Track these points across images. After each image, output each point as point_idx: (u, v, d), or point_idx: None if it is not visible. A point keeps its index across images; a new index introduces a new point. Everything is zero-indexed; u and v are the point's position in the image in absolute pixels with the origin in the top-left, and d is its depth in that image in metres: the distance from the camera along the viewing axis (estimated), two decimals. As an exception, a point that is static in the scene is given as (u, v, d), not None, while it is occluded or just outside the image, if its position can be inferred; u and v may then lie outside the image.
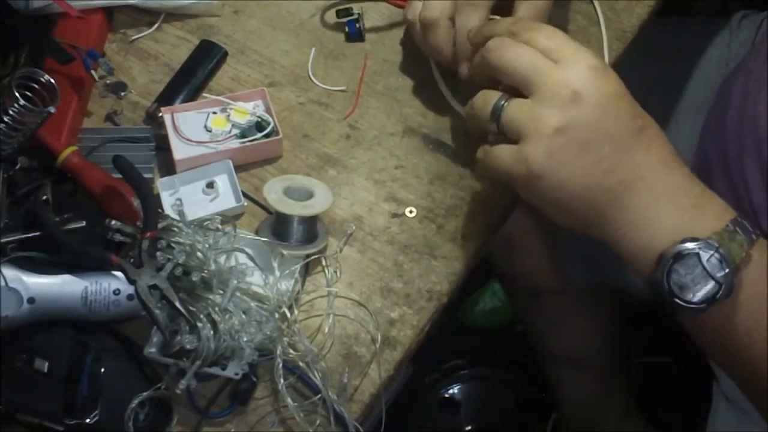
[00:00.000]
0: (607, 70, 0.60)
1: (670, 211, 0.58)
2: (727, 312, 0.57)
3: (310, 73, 0.81)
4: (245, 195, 0.72)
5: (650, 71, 1.04)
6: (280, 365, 0.63)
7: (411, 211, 0.73)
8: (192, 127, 0.75)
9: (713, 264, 0.56)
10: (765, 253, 0.58)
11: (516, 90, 0.61)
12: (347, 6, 0.84)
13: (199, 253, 0.63)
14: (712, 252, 0.56)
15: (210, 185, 0.72)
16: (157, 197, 0.71)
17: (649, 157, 0.59)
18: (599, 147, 0.58)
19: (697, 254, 0.56)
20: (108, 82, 0.79)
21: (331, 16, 0.84)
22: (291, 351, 0.64)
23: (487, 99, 0.63)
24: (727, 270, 0.56)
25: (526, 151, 0.59)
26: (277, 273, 0.66)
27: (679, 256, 0.57)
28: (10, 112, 0.66)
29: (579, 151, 0.58)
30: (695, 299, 0.57)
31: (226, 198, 0.72)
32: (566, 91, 0.58)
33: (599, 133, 0.58)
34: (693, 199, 0.59)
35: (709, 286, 0.56)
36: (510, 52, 0.61)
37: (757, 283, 0.57)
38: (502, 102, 0.61)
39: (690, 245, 0.56)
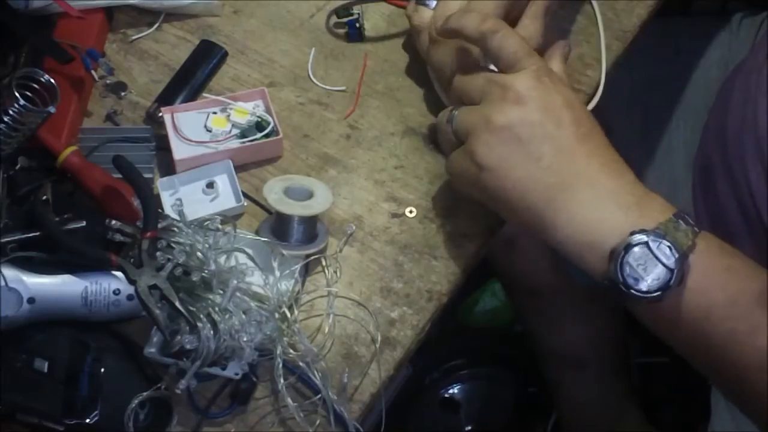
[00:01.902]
0: (555, 80, 0.64)
1: (614, 209, 0.60)
2: (682, 298, 0.59)
3: (310, 73, 0.81)
4: (245, 195, 0.72)
5: (650, 72, 1.04)
6: (280, 365, 0.63)
7: (411, 211, 0.73)
8: (192, 127, 0.75)
9: (663, 252, 0.58)
10: (710, 242, 0.60)
11: None
12: (347, 5, 0.84)
13: (199, 253, 0.63)
14: (660, 241, 0.58)
15: (210, 185, 0.72)
16: (157, 197, 0.71)
17: (591, 160, 0.62)
18: (540, 145, 0.61)
19: (647, 244, 0.58)
20: (108, 82, 0.79)
21: (331, 16, 0.84)
22: (291, 351, 0.64)
23: (445, 111, 0.69)
24: (677, 256, 0.57)
25: (471, 146, 0.63)
26: (277, 273, 0.66)
27: (630, 248, 0.58)
28: (10, 112, 0.66)
29: (519, 147, 0.61)
30: (650, 288, 0.58)
31: (226, 198, 0.72)
32: (512, 94, 0.62)
33: (540, 133, 0.61)
34: (635, 198, 0.61)
35: (662, 273, 0.58)
36: (466, 81, 0.67)
37: (707, 268, 0.59)
38: (455, 111, 0.67)
39: (639, 237, 0.58)
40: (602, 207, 0.61)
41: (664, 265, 0.57)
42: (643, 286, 0.58)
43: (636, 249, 0.58)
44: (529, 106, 0.62)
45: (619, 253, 0.58)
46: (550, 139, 0.61)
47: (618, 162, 0.63)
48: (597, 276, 0.61)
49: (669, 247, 0.58)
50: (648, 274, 0.58)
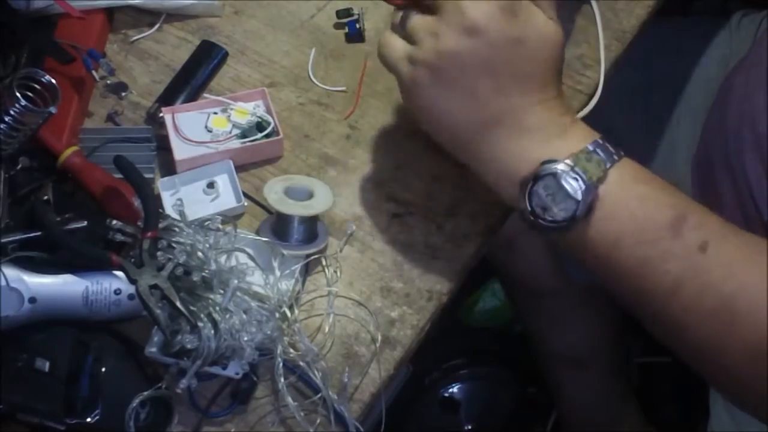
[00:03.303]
0: (517, 13, 0.61)
1: (534, 141, 0.61)
2: (590, 228, 0.59)
3: (311, 74, 0.81)
4: (246, 195, 0.72)
5: (651, 72, 1.04)
6: (281, 365, 0.63)
7: (411, 212, 0.73)
8: (193, 128, 0.75)
9: (570, 183, 0.58)
10: (627, 171, 0.60)
11: None
12: (347, 6, 0.84)
13: (199, 253, 0.63)
14: (568, 171, 0.58)
15: (211, 185, 0.72)
16: (158, 197, 0.71)
17: (524, 98, 0.61)
18: (476, 81, 0.61)
19: (555, 174, 0.58)
20: (109, 82, 0.79)
21: (331, 17, 0.85)
22: (291, 350, 0.64)
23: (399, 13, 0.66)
24: (583, 187, 0.58)
25: (415, 57, 0.62)
26: (278, 273, 0.66)
27: (539, 178, 0.59)
28: (11, 112, 0.66)
29: (457, 79, 0.61)
30: (557, 218, 0.59)
31: (226, 198, 0.72)
32: (467, 22, 0.60)
33: (481, 69, 0.61)
34: (559, 129, 0.61)
35: (569, 204, 0.58)
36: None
37: (616, 198, 0.59)
38: (408, 13, 0.64)
39: (548, 167, 0.59)
40: (523, 139, 0.61)
41: (571, 196, 0.58)
42: (550, 216, 0.59)
43: (545, 179, 0.59)
44: (480, 39, 0.60)
45: (528, 182, 0.60)
46: (490, 78, 0.61)
47: (554, 98, 0.62)
48: (512, 205, 0.62)
49: (576, 178, 0.58)
50: (556, 204, 0.59)
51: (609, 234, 0.59)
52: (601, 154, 0.60)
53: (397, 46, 0.64)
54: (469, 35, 0.60)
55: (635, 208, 0.59)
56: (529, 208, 0.60)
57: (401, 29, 0.64)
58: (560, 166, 0.59)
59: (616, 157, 0.60)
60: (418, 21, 0.63)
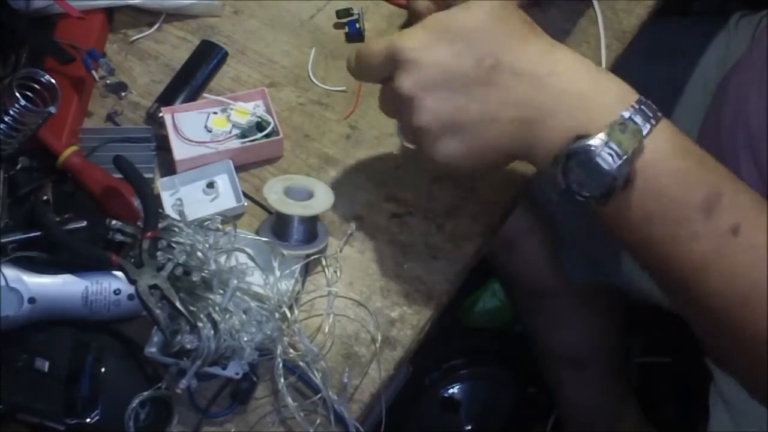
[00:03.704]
0: (469, 3, 0.61)
1: (558, 117, 0.59)
2: (626, 202, 0.58)
3: (311, 74, 0.81)
4: (245, 195, 0.72)
5: (649, 72, 1.03)
6: (281, 365, 0.63)
7: (411, 212, 0.73)
8: (192, 128, 0.75)
9: (605, 158, 0.56)
10: (664, 141, 0.58)
11: None
12: (347, 6, 0.84)
13: (199, 253, 0.63)
14: (602, 146, 0.56)
15: (210, 185, 0.72)
16: (158, 197, 0.71)
17: (506, 93, 0.59)
18: (467, 103, 0.60)
19: (588, 150, 0.57)
20: (108, 82, 0.79)
21: (331, 17, 0.85)
22: (291, 351, 0.64)
23: (384, 97, 0.67)
24: (619, 162, 0.56)
25: (421, 107, 0.62)
26: (278, 273, 0.66)
27: (572, 155, 0.57)
28: (11, 112, 0.66)
29: (456, 118, 0.60)
30: (593, 194, 0.58)
31: (226, 198, 0.72)
32: (402, 62, 0.61)
33: (462, 92, 0.60)
34: (581, 94, 0.59)
35: (605, 179, 0.57)
36: (366, 51, 0.66)
37: (653, 172, 0.58)
38: (387, 86, 0.64)
39: (581, 143, 0.57)
40: (543, 116, 0.59)
41: (606, 171, 0.56)
42: (587, 191, 0.58)
43: (578, 155, 0.57)
44: (422, 70, 0.60)
45: (562, 159, 0.58)
46: (463, 86, 0.60)
47: (557, 61, 0.60)
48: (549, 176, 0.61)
49: (611, 153, 0.56)
50: (592, 180, 0.57)
51: (640, 208, 0.58)
52: (638, 120, 0.57)
53: (395, 111, 0.65)
54: (409, 72, 0.60)
55: (669, 185, 0.57)
56: (565, 186, 0.58)
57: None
58: (594, 141, 0.57)
59: (654, 121, 0.57)
60: (398, 82, 0.62)
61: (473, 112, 0.60)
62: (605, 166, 0.56)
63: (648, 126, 0.57)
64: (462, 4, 0.61)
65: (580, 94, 0.59)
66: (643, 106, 0.58)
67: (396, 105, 0.63)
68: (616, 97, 0.59)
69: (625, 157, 0.56)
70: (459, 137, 0.61)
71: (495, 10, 0.61)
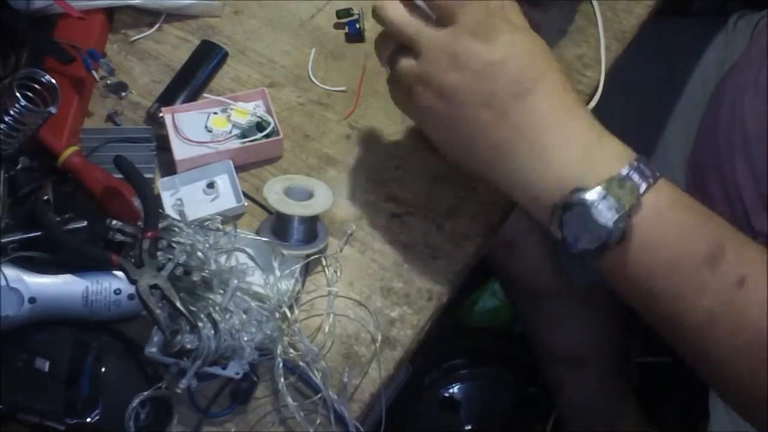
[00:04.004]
0: (490, 34, 0.60)
1: (558, 162, 0.59)
2: (625, 256, 0.58)
3: (311, 74, 0.81)
4: (246, 195, 0.72)
5: (648, 73, 1.04)
6: (281, 365, 0.63)
7: (411, 212, 0.74)
8: (192, 128, 0.75)
9: (602, 213, 0.56)
10: (663, 196, 0.58)
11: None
12: (347, 6, 0.84)
13: (199, 253, 0.63)
14: (600, 200, 0.56)
15: (211, 185, 0.72)
16: (158, 197, 0.71)
17: (532, 117, 0.60)
18: (477, 111, 0.60)
19: (585, 203, 0.57)
20: (109, 82, 0.79)
21: (331, 17, 0.85)
22: (291, 350, 0.64)
23: (380, 50, 0.67)
24: (616, 217, 0.56)
25: (415, 106, 0.64)
26: (278, 273, 0.66)
27: (569, 207, 0.57)
28: (11, 112, 0.66)
29: (458, 114, 0.61)
30: (588, 247, 0.58)
31: (226, 198, 0.72)
32: (446, 56, 0.60)
33: (477, 99, 0.60)
34: (581, 149, 0.59)
35: (601, 233, 0.57)
36: (392, 11, 0.63)
37: (652, 227, 0.57)
38: (396, 57, 0.64)
39: (578, 195, 0.57)
40: (544, 159, 0.59)
41: (602, 225, 0.56)
42: (582, 244, 0.58)
43: (575, 208, 0.57)
44: (463, 69, 0.60)
45: (559, 211, 0.58)
46: (487, 105, 0.60)
47: (565, 107, 0.60)
48: (544, 228, 0.61)
49: (609, 207, 0.56)
50: (588, 232, 0.57)
51: (642, 263, 0.58)
52: (636, 178, 0.57)
53: (398, 95, 0.66)
54: (454, 68, 0.60)
55: (671, 239, 0.57)
56: (561, 236, 0.58)
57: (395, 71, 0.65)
58: (591, 195, 0.57)
59: (651, 180, 0.57)
60: (403, 68, 0.64)
61: (470, 123, 0.61)
62: (601, 221, 0.56)
63: (645, 184, 0.57)
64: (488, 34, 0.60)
65: (582, 148, 0.59)
66: (641, 165, 0.58)
67: (407, 82, 0.64)
68: (616, 156, 0.59)
69: (622, 213, 0.56)
70: (447, 133, 0.63)
71: (535, 43, 0.61)
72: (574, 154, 0.59)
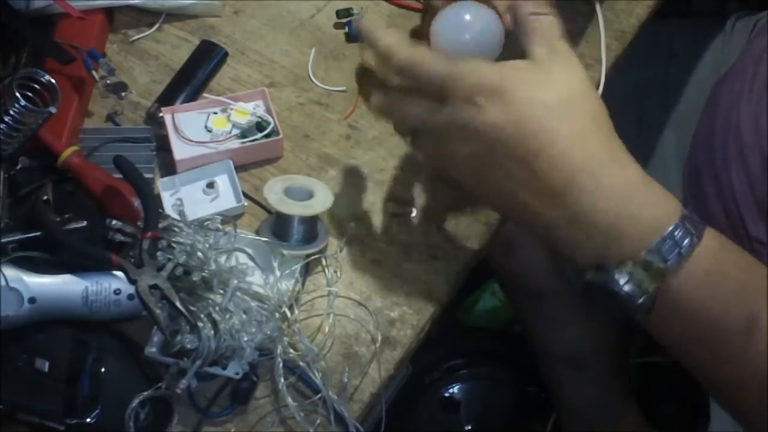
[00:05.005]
0: (489, 98, 0.55)
1: (585, 235, 0.56)
2: (652, 321, 0.57)
3: (311, 74, 0.81)
4: (245, 195, 0.72)
5: (646, 74, 1.04)
6: (281, 365, 0.63)
7: (411, 212, 0.74)
8: (192, 128, 0.75)
9: (622, 295, 0.55)
10: (700, 263, 0.55)
11: None
12: (347, 6, 0.84)
13: (199, 253, 0.63)
14: (622, 284, 0.55)
15: (210, 185, 0.72)
16: (158, 197, 0.71)
17: (558, 174, 0.55)
18: (502, 169, 0.56)
19: (606, 285, 0.55)
20: (109, 82, 0.79)
21: (331, 17, 0.85)
22: (291, 350, 0.64)
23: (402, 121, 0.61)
24: (639, 301, 0.55)
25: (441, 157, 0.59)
26: (278, 273, 0.66)
27: (589, 285, 0.56)
28: (11, 112, 0.66)
29: (481, 180, 0.58)
30: (613, 314, 0.57)
31: (226, 198, 0.72)
32: (454, 129, 0.56)
33: (491, 161, 0.56)
34: (611, 223, 0.55)
35: (625, 308, 0.56)
36: (397, 111, 0.60)
37: (682, 296, 0.55)
38: (406, 101, 0.59)
39: (600, 276, 0.56)
40: (572, 230, 0.56)
41: (623, 304, 0.55)
42: (606, 313, 0.58)
43: (597, 285, 0.56)
44: (472, 138, 0.55)
45: (580, 285, 0.57)
46: (498, 167, 0.56)
47: (605, 176, 0.55)
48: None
49: (629, 293, 0.55)
50: (613, 302, 0.56)
51: (671, 329, 0.57)
52: (666, 255, 0.54)
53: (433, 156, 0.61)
54: (466, 141, 0.56)
55: (702, 310, 0.55)
56: (584, 297, 0.58)
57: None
58: (613, 278, 0.55)
59: (683, 252, 0.54)
60: (423, 142, 0.59)
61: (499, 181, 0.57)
62: (623, 302, 0.55)
63: (677, 259, 0.54)
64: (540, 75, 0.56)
65: (611, 218, 0.55)
66: (678, 231, 0.54)
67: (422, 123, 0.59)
68: (648, 226, 0.55)
69: (644, 296, 0.55)
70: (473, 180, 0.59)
71: (583, 92, 0.57)
72: (602, 224, 0.55)
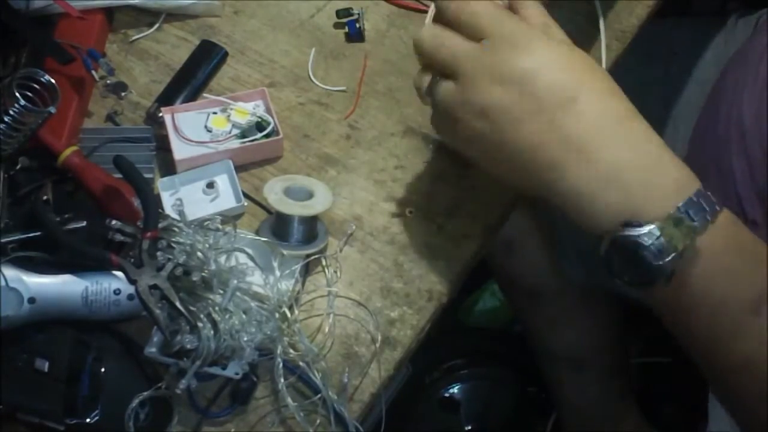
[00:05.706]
0: (528, 43, 0.58)
1: (613, 185, 0.56)
2: (668, 292, 0.56)
3: (311, 73, 0.81)
4: (245, 195, 0.72)
5: (647, 73, 1.03)
6: (281, 365, 0.63)
7: (411, 212, 0.74)
8: (192, 127, 0.75)
9: (652, 251, 0.54)
10: (719, 237, 0.56)
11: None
12: (347, 6, 0.84)
13: (199, 253, 0.63)
14: (652, 240, 0.54)
15: (210, 185, 0.72)
16: (158, 197, 0.71)
17: (583, 127, 0.57)
18: (524, 126, 0.58)
19: (636, 242, 0.54)
20: (108, 82, 0.79)
21: (331, 17, 0.85)
22: (291, 351, 0.64)
23: (420, 84, 0.64)
24: (666, 259, 0.54)
25: (461, 135, 0.61)
26: (278, 273, 0.66)
27: (619, 241, 0.55)
28: (11, 112, 0.66)
29: (506, 135, 0.59)
30: (632, 282, 0.56)
31: (226, 198, 0.72)
32: (484, 70, 0.58)
33: (522, 112, 0.58)
34: (639, 171, 0.56)
35: (648, 271, 0.55)
36: (427, 40, 0.62)
37: (701, 270, 0.55)
38: (435, 85, 0.62)
39: (630, 232, 0.55)
40: (599, 188, 0.56)
41: (651, 265, 0.54)
42: (627, 278, 0.56)
43: (624, 244, 0.55)
44: (503, 84, 0.58)
45: (607, 245, 0.56)
46: (533, 117, 0.58)
47: (620, 119, 0.58)
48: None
49: (661, 249, 0.54)
50: (634, 268, 0.55)
51: (683, 302, 0.56)
52: (693, 216, 0.54)
53: (446, 129, 0.64)
54: (495, 84, 0.58)
55: (717, 284, 0.55)
56: (607, 267, 0.57)
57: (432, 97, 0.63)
58: (644, 233, 0.54)
59: (709, 217, 0.54)
60: (443, 95, 0.61)
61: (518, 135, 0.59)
62: (652, 260, 0.54)
63: (704, 222, 0.55)
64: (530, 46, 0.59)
65: (640, 170, 0.56)
66: (701, 199, 0.55)
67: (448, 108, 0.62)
68: (676, 185, 0.56)
69: (672, 255, 0.54)
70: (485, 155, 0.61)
71: (563, 52, 0.60)
72: (631, 177, 0.56)
